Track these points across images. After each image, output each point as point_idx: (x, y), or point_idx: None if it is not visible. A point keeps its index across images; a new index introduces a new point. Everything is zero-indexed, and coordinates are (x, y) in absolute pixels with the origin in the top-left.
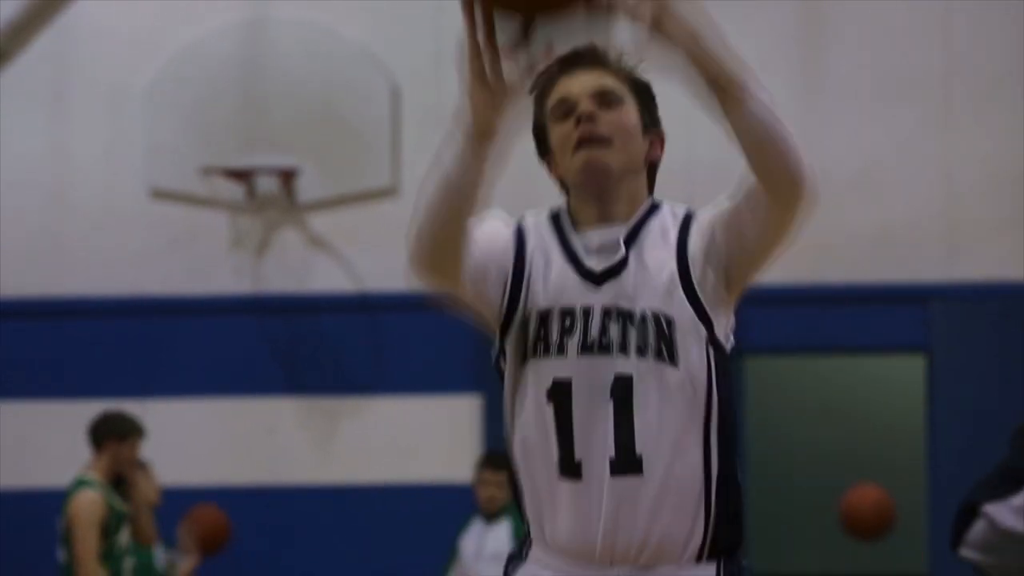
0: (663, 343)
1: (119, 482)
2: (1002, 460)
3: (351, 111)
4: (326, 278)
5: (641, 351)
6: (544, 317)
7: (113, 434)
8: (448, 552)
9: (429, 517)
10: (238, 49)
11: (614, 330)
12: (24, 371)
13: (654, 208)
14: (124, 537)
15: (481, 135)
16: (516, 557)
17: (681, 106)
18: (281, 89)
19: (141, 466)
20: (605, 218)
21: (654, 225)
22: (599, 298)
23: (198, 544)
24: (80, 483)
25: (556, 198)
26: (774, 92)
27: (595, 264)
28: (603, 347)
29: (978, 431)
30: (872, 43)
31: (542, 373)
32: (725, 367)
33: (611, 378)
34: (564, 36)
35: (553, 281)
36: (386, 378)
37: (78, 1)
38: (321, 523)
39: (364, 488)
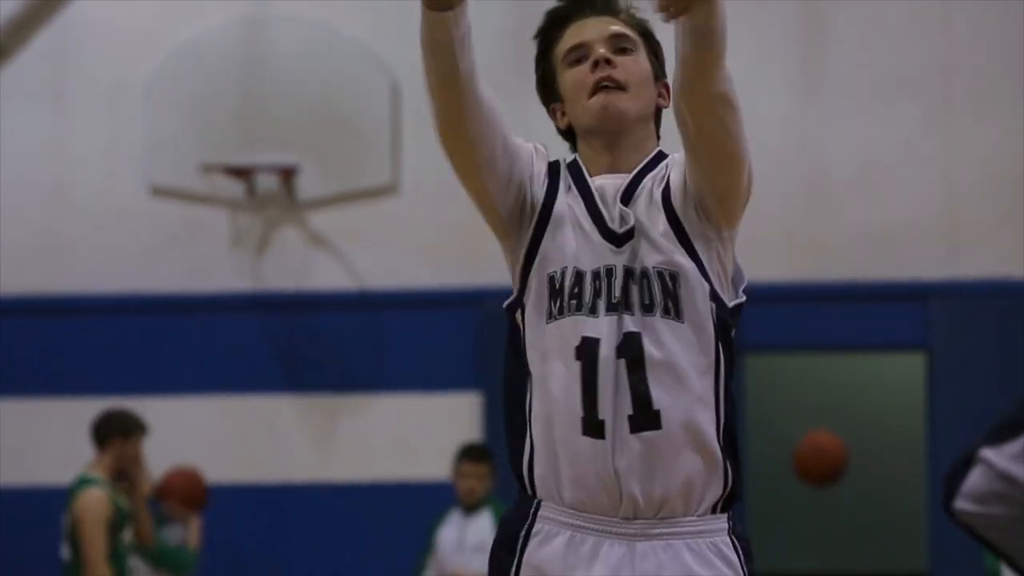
0: (669, 299)
1: (118, 479)
2: (1000, 416)
3: (351, 109)
4: (326, 276)
5: (648, 308)
6: (579, 276)
7: (117, 432)
8: (425, 546)
9: (429, 514)
10: (238, 47)
11: (628, 288)
12: (24, 369)
13: (659, 157)
14: (128, 535)
15: (435, 3)
16: (515, 520)
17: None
18: (281, 87)
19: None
20: (616, 166)
21: (651, 177)
22: (620, 259)
23: (183, 507)
24: (85, 481)
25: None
26: (774, 92)
27: (616, 224)
28: (625, 306)
29: (979, 429)
30: (872, 42)
31: (572, 330)
32: (726, 319)
33: (623, 336)
34: None
35: (582, 239)
36: (386, 376)
37: None
38: (321, 520)
39: (364, 485)
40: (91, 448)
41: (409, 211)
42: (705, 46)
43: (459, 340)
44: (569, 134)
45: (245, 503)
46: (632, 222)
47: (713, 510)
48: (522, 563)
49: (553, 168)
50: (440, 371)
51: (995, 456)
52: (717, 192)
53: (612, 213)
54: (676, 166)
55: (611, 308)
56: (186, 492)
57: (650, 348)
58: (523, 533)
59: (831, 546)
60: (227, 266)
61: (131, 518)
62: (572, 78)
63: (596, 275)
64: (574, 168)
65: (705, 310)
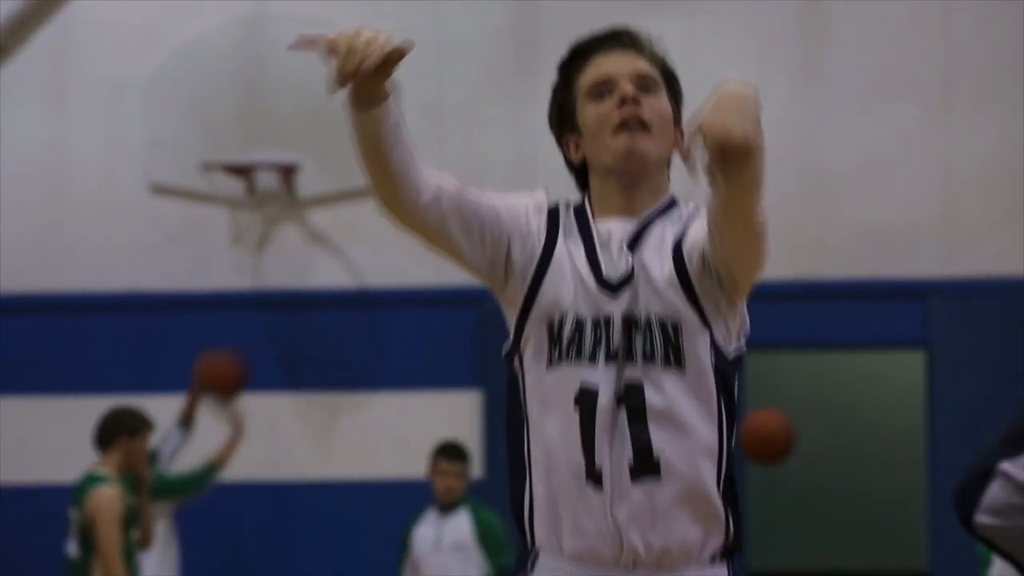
0: (670, 349)
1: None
2: (1009, 425)
3: None
4: (326, 274)
5: (649, 357)
6: (579, 324)
7: (124, 430)
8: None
9: None
10: (238, 45)
11: (627, 338)
12: (24, 367)
13: (671, 205)
14: (135, 533)
15: (357, 104)
16: (515, 570)
17: None
18: (281, 85)
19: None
20: (629, 208)
21: (662, 224)
22: (618, 306)
23: (221, 394)
24: (94, 479)
25: (555, 183)
26: (774, 91)
27: (612, 271)
28: (626, 354)
29: (978, 426)
30: (872, 40)
31: (570, 379)
32: (727, 369)
33: (624, 385)
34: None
35: (580, 286)
36: (386, 374)
37: None
38: (321, 518)
39: (364, 483)
40: (91, 446)
41: None
42: (747, 188)
43: (459, 338)
44: (580, 168)
45: (246, 501)
46: (626, 268)
47: (713, 560)
48: None
49: (553, 215)
50: (440, 369)
51: (1014, 468)
52: (735, 278)
53: (613, 259)
54: (697, 219)
55: (611, 357)
56: (223, 379)
57: (652, 397)
58: None
59: (831, 544)
60: (227, 264)
61: (139, 516)
62: (595, 112)
63: (596, 324)
64: (579, 211)
65: (707, 360)
